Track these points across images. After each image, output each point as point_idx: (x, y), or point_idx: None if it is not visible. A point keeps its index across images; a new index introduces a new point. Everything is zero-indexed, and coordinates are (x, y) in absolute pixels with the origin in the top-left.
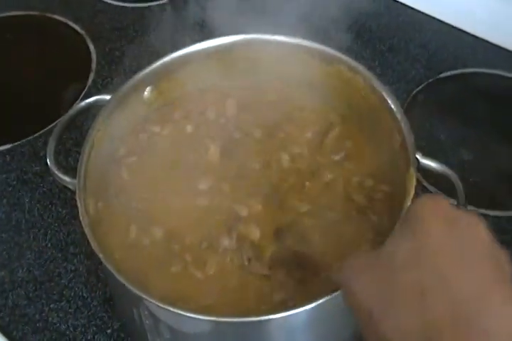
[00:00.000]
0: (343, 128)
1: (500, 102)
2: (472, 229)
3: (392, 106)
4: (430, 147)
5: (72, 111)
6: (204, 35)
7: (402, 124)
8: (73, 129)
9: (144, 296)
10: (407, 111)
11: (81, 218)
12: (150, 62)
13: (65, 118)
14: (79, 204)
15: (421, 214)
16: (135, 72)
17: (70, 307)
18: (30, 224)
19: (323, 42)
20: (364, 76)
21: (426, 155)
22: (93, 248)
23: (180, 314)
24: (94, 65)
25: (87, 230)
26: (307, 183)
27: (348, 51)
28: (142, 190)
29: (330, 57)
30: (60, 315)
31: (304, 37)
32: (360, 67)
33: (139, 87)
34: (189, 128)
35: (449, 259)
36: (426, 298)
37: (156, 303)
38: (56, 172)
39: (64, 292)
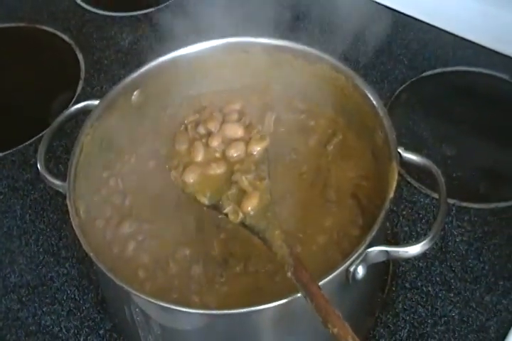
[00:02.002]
0: (330, 126)
1: (480, 99)
2: None
3: (375, 103)
4: (414, 144)
5: (62, 117)
6: (191, 41)
7: (384, 120)
8: (63, 137)
9: (133, 291)
10: (390, 110)
11: (71, 219)
12: (141, 65)
13: (55, 123)
14: (69, 206)
15: None
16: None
17: (62, 310)
18: (22, 230)
19: (306, 43)
20: (346, 74)
21: (409, 151)
22: (83, 247)
23: (168, 307)
24: (83, 74)
25: (77, 230)
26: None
27: (331, 53)
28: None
29: (313, 57)
30: (53, 317)
31: (288, 38)
32: (343, 66)
33: (127, 91)
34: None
35: None
36: None
37: (145, 298)
38: (46, 175)
39: (56, 295)
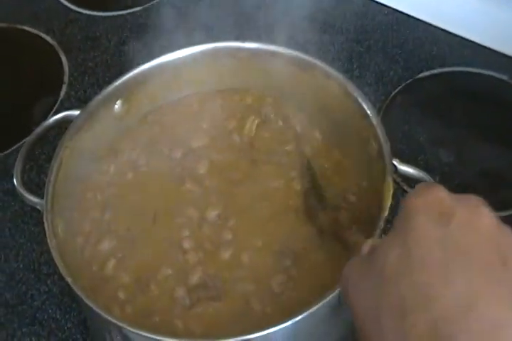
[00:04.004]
0: (319, 136)
1: (479, 100)
2: (469, 220)
3: (368, 112)
4: (409, 149)
5: (39, 129)
6: (178, 43)
7: (378, 131)
8: (45, 145)
9: (113, 321)
10: (386, 112)
11: (48, 241)
12: (123, 73)
13: (32, 137)
14: (46, 227)
15: (412, 212)
16: (109, 83)
17: (43, 330)
18: (1, 245)
19: (298, 45)
20: (339, 81)
21: (406, 158)
22: (61, 271)
23: (149, 337)
24: (66, 77)
25: (54, 253)
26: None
27: (325, 53)
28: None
29: (303, 62)
30: (33, 338)
31: (279, 41)
32: (334, 72)
33: (109, 101)
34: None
35: (435, 272)
36: (407, 318)
37: (125, 327)
38: (23, 193)
39: (37, 315)
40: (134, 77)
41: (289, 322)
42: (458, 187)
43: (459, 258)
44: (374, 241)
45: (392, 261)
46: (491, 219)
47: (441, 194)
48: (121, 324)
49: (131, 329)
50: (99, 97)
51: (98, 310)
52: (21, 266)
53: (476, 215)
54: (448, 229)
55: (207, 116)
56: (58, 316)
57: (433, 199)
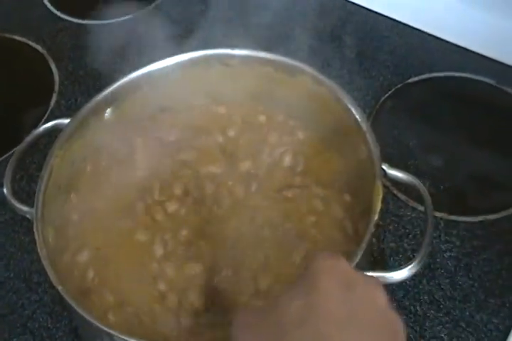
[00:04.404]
0: (308, 140)
1: (468, 105)
2: (368, 295)
3: (357, 117)
4: (400, 154)
5: (29, 138)
6: (169, 51)
7: (368, 135)
8: (35, 153)
9: (105, 329)
10: (375, 118)
11: (39, 250)
12: (114, 81)
13: (22, 146)
14: (36, 236)
15: (318, 274)
16: (99, 91)
17: (34, 340)
18: None
19: (289, 51)
20: (329, 87)
21: (395, 162)
22: (52, 280)
23: None
24: (57, 86)
25: (45, 262)
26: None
27: (315, 59)
28: None
29: (293, 69)
30: None
31: (269, 47)
32: (324, 78)
33: (100, 109)
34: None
35: (335, 327)
36: None
37: (119, 336)
38: (13, 202)
39: (28, 324)
40: (124, 85)
41: None
42: (448, 191)
43: (357, 321)
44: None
45: (294, 310)
46: (385, 300)
47: (347, 265)
48: (112, 331)
49: (123, 337)
50: (88, 105)
51: (89, 318)
52: (12, 275)
53: (375, 293)
54: (351, 295)
55: (196, 124)
56: (49, 325)
57: (340, 267)
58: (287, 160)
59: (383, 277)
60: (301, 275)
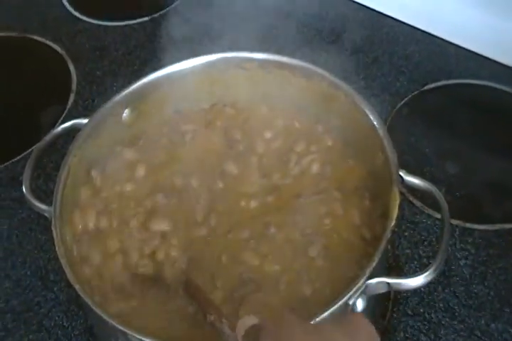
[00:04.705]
0: (327, 144)
1: (485, 113)
2: None
3: (375, 123)
4: (416, 161)
5: (48, 137)
6: (186, 53)
7: (385, 142)
8: (53, 153)
9: (121, 328)
10: (392, 124)
11: (57, 248)
12: (131, 82)
13: (41, 144)
14: (54, 234)
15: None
16: (117, 92)
17: (49, 338)
18: (9, 251)
19: (306, 56)
20: (345, 92)
21: (411, 169)
22: (69, 279)
23: None
24: (74, 86)
25: (62, 261)
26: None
27: (332, 64)
28: None
29: (311, 73)
30: None
31: (285, 52)
32: (341, 83)
33: (117, 110)
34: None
35: None
36: None
37: (136, 336)
38: (32, 200)
39: (44, 322)
40: (142, 86)
41: None
42: (463, 198)
43: None
44: (247, 321)
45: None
46: None
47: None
48: (128, 330)
49: (138, 336)
50: (107, 106)
51: (106, 317)
52: (28, 272)
53: None
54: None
55: (217, 128)
56: (65, 323)
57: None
58: (315, 167)
59: (399, 283)
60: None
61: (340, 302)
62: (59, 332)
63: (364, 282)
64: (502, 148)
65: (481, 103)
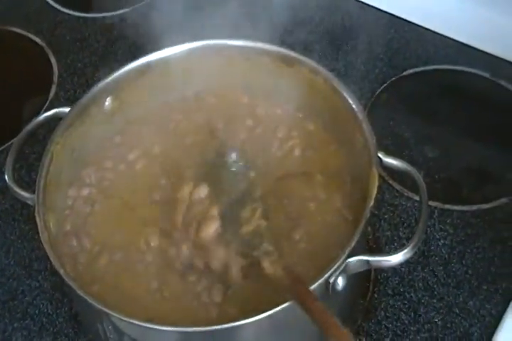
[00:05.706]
0: (309, 129)
1: (463, 98)
2: None
3: (354, 107)
4: (395, 145)
5: (30, 126)
6: (167, 43)
7: (364, 125)
8: (35, 143)
9: (106, 310)
10: (371, 110)
11: (40, 234)
12: (112, 72)
13: (24, 133)
14: (38, 220)
15: None
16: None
17: (34, 325)
18: None
19: (285, 44)
20: (325, 77)
21: (391, 153)
22: (53, 264)
23: (142, 326)
24: (55, 78)
25: (46, 246)
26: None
27: (311, 52)
28: None
29: (290, 59)
30: (24, 333)
31: (265, 39)
32: (321, 68)
33: (100, 98)
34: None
35: None
36: None
37: (119, 317)
38: (15, 188)
39: (28, 310)
40: (123, 75)
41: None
42: (442, 181)
43: None
44: None
45: None
46: None
47: None
48: (113, 312)
49: (124, 319)
50: (89, 94)
51: (90, 300)
52: (12, 262)
53: None
54: None
55: (200, 115)
56: (50, 311)
57: None
58: (297, 151)
59: (378, 261)
60: None
61: (321, 280)
62: (44, 319)
63: (344, 260)
64: (479, 133)
65: (459, 88)
